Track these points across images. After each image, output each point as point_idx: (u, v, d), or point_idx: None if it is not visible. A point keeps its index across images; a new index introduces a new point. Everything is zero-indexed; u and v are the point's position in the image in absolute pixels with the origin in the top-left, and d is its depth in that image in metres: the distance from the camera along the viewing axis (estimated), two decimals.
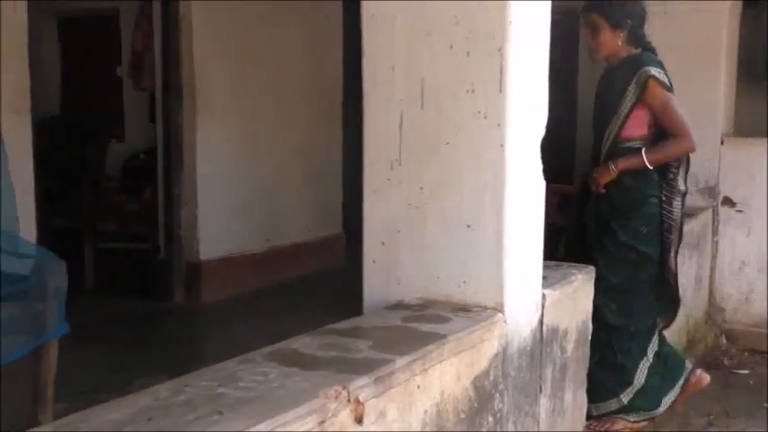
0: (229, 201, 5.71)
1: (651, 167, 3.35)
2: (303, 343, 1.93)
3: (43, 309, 2.97)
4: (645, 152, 3.35)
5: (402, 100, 2.30)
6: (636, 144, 3.39)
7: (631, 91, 3.34)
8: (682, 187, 3.49)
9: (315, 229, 6.54)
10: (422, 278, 2.32)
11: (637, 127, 3.38)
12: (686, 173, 3.53)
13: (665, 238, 3.45)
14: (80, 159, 7.12)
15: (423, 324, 2.09)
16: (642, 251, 3.39)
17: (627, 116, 3.36)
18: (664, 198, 3.43)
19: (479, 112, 2.19)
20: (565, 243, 3.86)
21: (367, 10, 2.35)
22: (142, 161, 6.74)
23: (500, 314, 2.22)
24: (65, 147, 7.18)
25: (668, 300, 3.60)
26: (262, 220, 6.02)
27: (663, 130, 3.40)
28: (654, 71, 3.33)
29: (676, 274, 3.56)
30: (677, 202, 3.45)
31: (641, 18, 3.45)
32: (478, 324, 2.13)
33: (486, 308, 2.23)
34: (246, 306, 5.46)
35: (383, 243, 2.39)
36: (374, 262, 2.41)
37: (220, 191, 5.64)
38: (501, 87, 2.16)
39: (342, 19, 6.64)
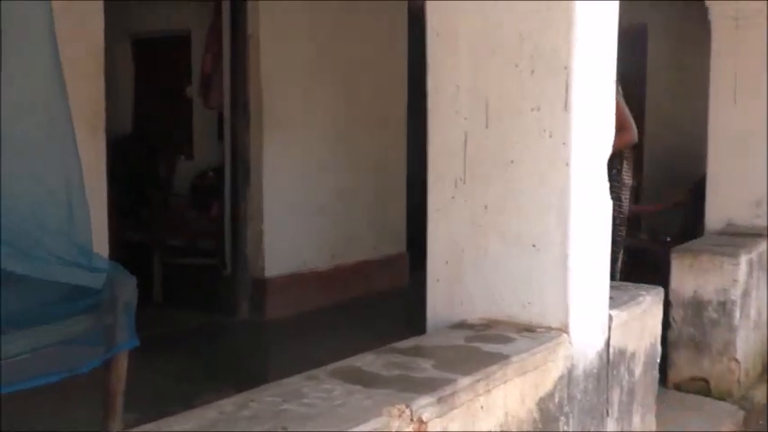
0: (295, 218, 5.77)
1: None
2: (367, 361, 1.93)
3: (114, 322, 3.05)
4: None
5: (466, 119, 2.30)
6: None
7: None
8: (627, 180, 3.49)
9: (379, 248, 6.56)
10: (485, 298, 2.31)
11: None
12: (631, 167, 3.55)
13: (617, 233, 3.40)
14: (151, 176, 7.30)
15: (486, 344, 2.08)
16: None
17: None
18: (611, 192, 3.45)
19: (544, 130, 2.18)
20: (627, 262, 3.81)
21: (432, 28, 2.36)
22: (210, 178, 6.86)
23: (565, 335, 2.19)
24: (137, 164, 7.37)
25: None
26: (327, 238, 6.07)
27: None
28: None
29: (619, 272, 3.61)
30: (625, 196, 3.48)
31: None
32: (543, 345, 2.10)
33: (550, 329, 2.20)
34: (311, 323, 5.49)
35: (447, 262, 2.38)
36: (438, 281, 2.40)
37: (286, 208, 5.70)
38: (566, 105, 2.14)
39: (407, 37, 6.68)
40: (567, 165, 2.16)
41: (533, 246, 2.22)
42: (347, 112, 6.17)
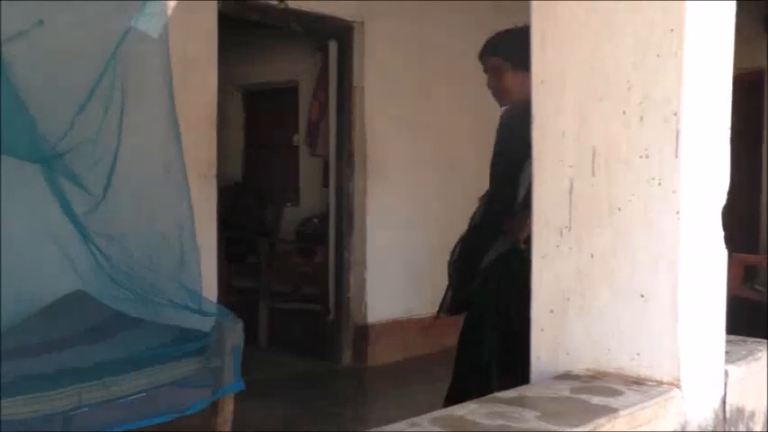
0: (398, 265, 5.79)
1: None
2: (469, 410, 1.91)
3: (221, 365, 3.12)
4: None
5: (572, 166, 2.27)
6: None
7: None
8: None
9: None
10: (592, 348, 2.25)
11: None
12: None
13: None
14: (259, 222, 7.50)
15: (593, 396, 2.02)
16: None
17: None
18: None
19: (653, 178, 2.13)
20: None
21: (536, 76, 2.36)
22: (315, 225, 7.00)
23: (677, 390, 2.10)
24: (246, 211, 7.59)
25: None
26: (429, 286, 6.04)
27: None
28: None
29: None
30: None
31: None
32: (653, 399, 2.03)
33: (661, 383, 2.12)
34: (412, 370, 5.47)
35: (552, 311, 2.34)
36: (542, 330, 2.36)
37: (389, 255, 5.73)
38: (677, 153, 2.09)
39: None
40: (678, 213, 2.10)
41: (642, 296, 2.16)
42: (449, 160, 6.18)
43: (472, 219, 3.39)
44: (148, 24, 3.23)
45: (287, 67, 7.73)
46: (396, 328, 5.73)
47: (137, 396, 2.84)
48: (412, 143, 5.89)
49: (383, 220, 5.71)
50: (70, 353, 3.18)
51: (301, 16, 5.15)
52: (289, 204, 7.95)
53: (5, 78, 3.39)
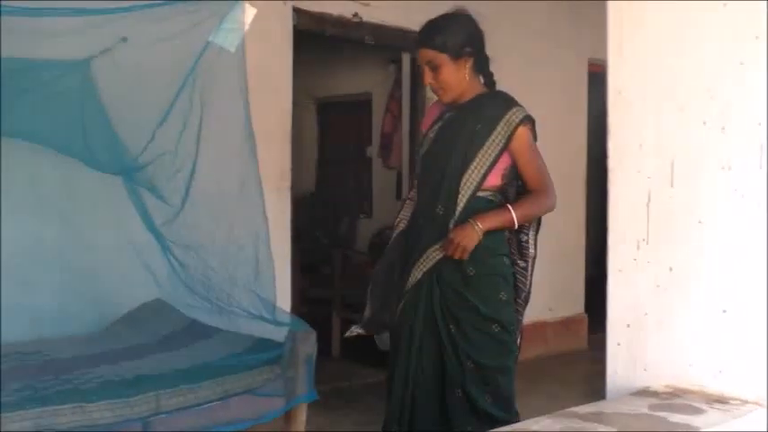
0: None
1: (512, 220, 2.79)
2: (544, 425, 1.88)
3: (295, 374, 3.15)
4: (512, 208, 2.80)
5: (650, 177, 2.23)
6: (488, 196, 2.82)
7: (501, 133, 2.77)
8: (533, 251, 2.94)
9: (556, 309, 6.40)
10: (671, 364, 2.19)
11: (494, 177, 2.81)
12: (536, 234, 2.98)
13: (517, 308, 2.92)
14: (332, 234, 7.55)
15: (672, 414, 1.97)
16: (505, 323, 2.83)
17: (493, 164, 2.78)
18: (520, 263, 2.91)
19: (736, 190, 2.07)
20: None
21: (613, 86, 2.32)
22: (388, 237, 7.00)
23: (762, 409, 2.03)
24: (319, 222, 7.66)
25: None
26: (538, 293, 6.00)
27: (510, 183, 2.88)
28: (526, 113, 2.86)
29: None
30: (531, 268, 2.93)
31: (480, 40, 2.89)
32: (737, 419, 1.96)
33: (745, 401, 2.05)
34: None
35: (628, 325, 2.29)
36: (618, 344, 2.31)
37: None
38: (761, 164, 2.03)
39: (586, 96, 6.59)
40: (762, 226, 2.03)
41: (724, 311, 2.09)
42: None
43: (397, 224, 3.18)
44: (226, 39, 3.29)
45: (360, 79, 7.79)
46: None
47: (211, 404, 2.88)
48: None
49: None
50: (149, 360, 3.26)
51: (375, 29, 5.19)
52: (362, 216, 7.99)
53: (91, 94, 3.51)
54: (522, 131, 2.79)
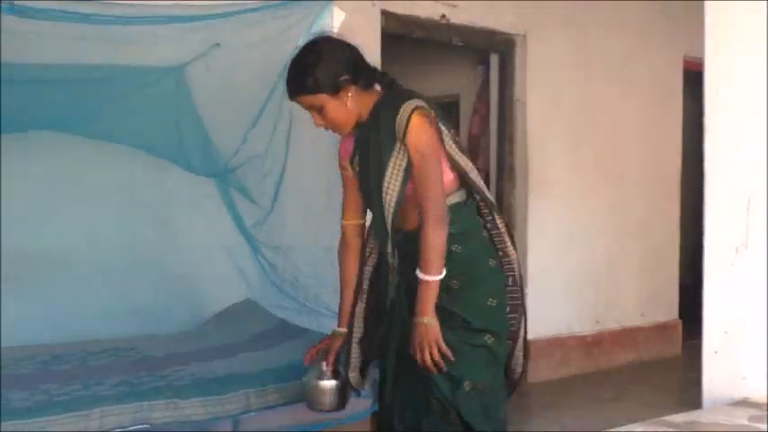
0: (559, 280, 5.67)
1: (435, 277, 2.43)
2: None
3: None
4: (419, 270, 2.43)
5: (750, 180, 2.14)
6: (457, 201, 2.55)
7: (400, 132, 2.43)
8: (513, 253, 2.62)
9: (648, 314, 6.24)
10: None
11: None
12: (512, 237, 2.65)
13: (509, 298, 2.62)
14: None
15: None
16: (496, 331, 2.55)
17: (409, 166, 2.44)
18: (507, 267, 2.61)
19: None
20: None
21: (710, 85, 2.25)
22: None
23: None
24: None
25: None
26: (592, 302, 5.89)
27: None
28: (420, 105, 2.44)
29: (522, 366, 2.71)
30: (512, 248, 2.62)
31: (354, 58, 2.53)
32: None
33: None
34: (574, 388, 5.33)
35: (726, 332, 2.21)
36: (715, 353, 2.23)
37: (551, 270, 5.62)
38: None
39: (682, 96, 6.41)
40: None
41: None
42: (615, 174, 6.00)
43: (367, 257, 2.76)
44: None
45: (447, 81, 7.76)
46: (556, 344, 5.61)
47: (299, 403, 2.91)
48: (576, 157, 5.76)
49: (545, 234, 5.60)
50: (239, 358, 3.33)
51: (463, 31, 5.17)
52: None
53: (185, 99, 3.61)
54: (414, 124, 2.41)
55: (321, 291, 3.69)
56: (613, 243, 6.00)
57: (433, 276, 2.41)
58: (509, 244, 2.65)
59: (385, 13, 4.71)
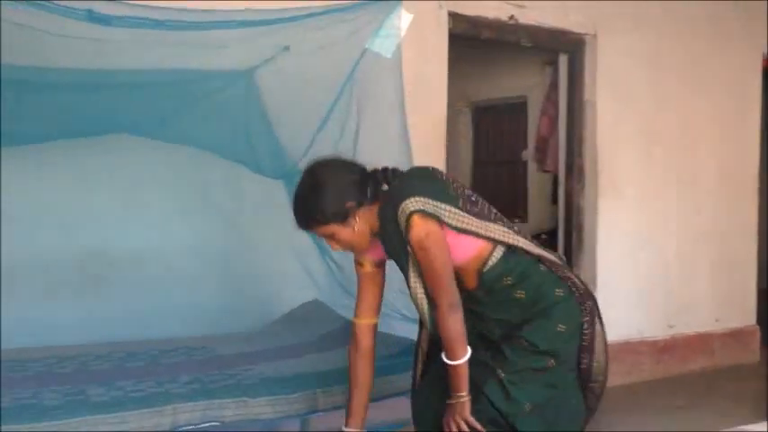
0: (630, 284, 5.57)
1: (460, 361, 2.47)
2: None
3: None
4: (445, 357, 2.49)
5: None
6: (491, 274, 2.57)
7: (403, 233, 2.44)
8: (579, 284, 2.64)
9: (723, 319, 6.07)
10: None
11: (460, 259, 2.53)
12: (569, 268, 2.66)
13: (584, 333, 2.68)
14: None
15: None
16: (560, 355, 2.60)
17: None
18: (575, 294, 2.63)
19: None
20: None
21: None
22: (543, 241, 6.89)
23: None
24: None
25: None
26: (664, 306, 5.77)
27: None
28: (413, 202, 2.41)
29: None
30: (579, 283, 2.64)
31: (358, 177, 2.54)
32: None
33: None
34: (644, 394, 5.22)
35: None
36: None
37: (621, 273, 5.52)
38: None
39: (761, 93, 6.22)
40: None
41: None
42: (687, 176, 5.86)
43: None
44: (382, 45, 3.35)
45: (515, 82, 7.71)
46: (626, 349, 5.50)
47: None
48: (647, 158, 5.65)
49: (615, 236, 5.51)
50: (307, 359, 3.36)
51: (531, 31, 5.12)
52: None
53: (255, 102, 3.67)
54: (412, 225, 2.42)
55: (388, 292, 3.69)
56: (686, 245, 5.87)
57: (458, 361, 2.46)
58: (560, 266, 2.66)
59: (452, 15, 4.70)
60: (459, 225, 2.49)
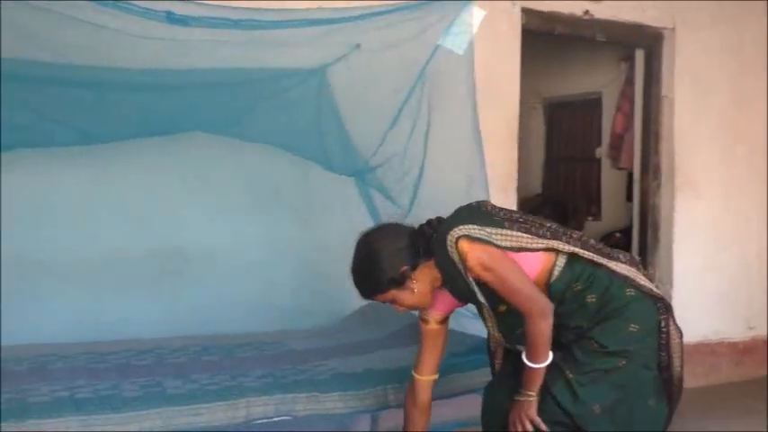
0: (708, 284, 5.42)
1: (541, 365, 2.47)
2: None
3: None
4: (526, 359, 2.49)
5: None
6: (560, 283, 2.55)
7: (460, 265, 2.46)
8: (649, 285, 2.61)
9: None
10: None
11: (531, 273, 2.51)
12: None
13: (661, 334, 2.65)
14: None
15: None
16: (631, 353, 2.56)
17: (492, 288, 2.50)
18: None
19: None
20: None
21: None
22: (617, 239, 6.77)
23: None
24: None
25: None
26: (744, 307, 5.59)
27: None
28: (457, 230, 2.44)
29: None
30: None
31: (409, 241, 2.55)
32: None
33: None
34: (722, 399, 5.07)
35: None
36: None
37: (699, 273, 5.38)
38: None
39: None
40: None
41: None
42: None
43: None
44: (454, 42, 3.33)
45: (589, 78, 7.58)
46: (704, 351, 5.36)
47: (436, 401, 2.91)
48: (728, 156, 5.49)
49: (692, 236, 5.37)
50: (377, 355, 3.37)
51: (607, 26, 5.03)
52: (590, 218, 7.78)
53: (327, 100, 3.69)
54: (463, 252, 2.45)
55: None
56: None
57: (539, 364, 2.48)
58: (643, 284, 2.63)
59: (525, 11, 4.66)
60: (513, 244, 2.51)
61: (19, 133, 3.10)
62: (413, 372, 2.72)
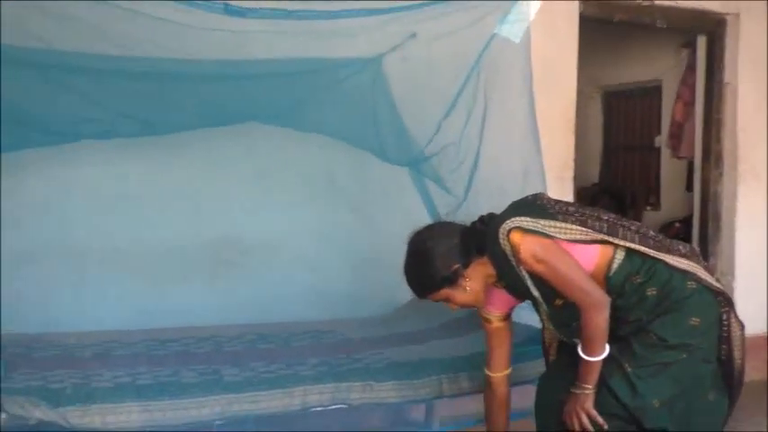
0: None
1: (597, 358, 2.46)
2: None
3: None
4: (582, 352, 2.47)
5: None
6: (617, 277, 2.53)
7: (512, 258, 2.46)
8: (709, 278, 2.58)
9: None
10: None
11: (588, 265, 2.49)
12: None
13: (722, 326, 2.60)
14: None
15: None
16: (691, 346, 2.53)
17: (542, 281, 2.50)
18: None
19: None
20: None
21: None
22: (677, 229, 6.65)
23: None
24: None
25: None
26: None
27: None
28: (509, 223, 2.44)
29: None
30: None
31: (461, 239, 2.55)
32: None
33: None
34: None
35: None
36: None
37: (762, 263, 5.25)
38: None
39: None
40: None
41: None
42: None
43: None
44: (511, 30, 3.30)
45: (648, 66, 7.45)
46: (764, 344, 5.23)
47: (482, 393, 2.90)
48: None
49: (755, 226, 5.24)
50: (431, 345, 3.37)
51: (668, 12, 4.93)
52: (648, 208, 7.65)
53: (382, 89, 3.69)
54: (515, 244, 2.45)
55: None
56: None
57: (595, 358, 2.47)
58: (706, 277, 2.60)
59: None
60: (568, 237, 2.49)
61: (85, 125, 3.18)
62: (486, 371, 2.73)
